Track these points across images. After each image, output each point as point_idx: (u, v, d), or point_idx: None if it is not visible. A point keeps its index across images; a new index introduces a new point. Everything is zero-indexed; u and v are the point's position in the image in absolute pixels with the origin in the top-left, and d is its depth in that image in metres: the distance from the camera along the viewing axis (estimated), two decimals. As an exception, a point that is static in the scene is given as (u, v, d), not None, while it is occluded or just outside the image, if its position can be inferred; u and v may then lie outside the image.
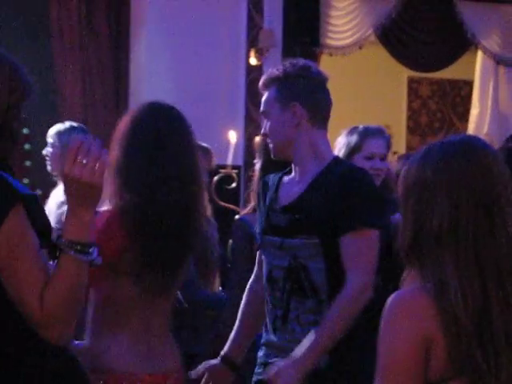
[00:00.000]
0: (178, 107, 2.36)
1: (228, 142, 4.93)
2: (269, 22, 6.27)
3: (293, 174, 2.81)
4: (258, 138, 3.84)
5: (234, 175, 4.60)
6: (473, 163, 1.60)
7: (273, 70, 2.83)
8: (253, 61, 6.09)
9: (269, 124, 2.78)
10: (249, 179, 4.35)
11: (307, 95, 2.85)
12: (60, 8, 6.08)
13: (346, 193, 2.48)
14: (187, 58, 6.25)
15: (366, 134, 3.45)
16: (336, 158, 2.85)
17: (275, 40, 6.18)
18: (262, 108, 2.83)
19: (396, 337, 1.57)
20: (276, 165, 2.81)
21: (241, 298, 2.80)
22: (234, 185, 4.46)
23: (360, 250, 2.43)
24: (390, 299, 1.57)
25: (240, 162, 5.68)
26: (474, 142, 1.69)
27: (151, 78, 6.23)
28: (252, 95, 5.90)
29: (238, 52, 6.17)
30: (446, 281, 1.54)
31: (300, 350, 2.37)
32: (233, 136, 4.93)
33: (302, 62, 2.96)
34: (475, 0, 6.77)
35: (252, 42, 6.10)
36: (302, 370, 2.32)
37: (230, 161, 4.67)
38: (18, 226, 1.60)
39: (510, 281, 1.58)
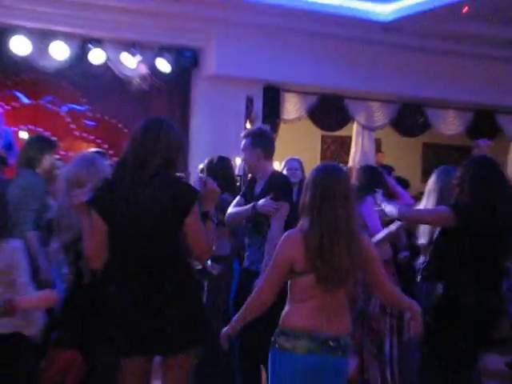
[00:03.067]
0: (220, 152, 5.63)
1: (235, 163, 7.73)
2: (256, 108, 9.57)
3: (258, 180, 4.87)
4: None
5: (238, 178, 7.58)
6: (327, 175, 3.20)
7: (250, 129, 5.35)
8: (248, 126, 9.28)
9: (245, 156, 4.83)
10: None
11: (264, 144, 4.83)
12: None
13: (274, 184, 4.39)
14: (221, 129, 9.11)
15: (287, 160, 5.97)
16: (273, 171, 4.86)
17: (258, 116, 9.54)
18: (242, 147, 4.82)
19: (279, 252, 3.20)
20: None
21: None
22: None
23: (280, 212, 4.30)
24: (285, 233, 3.26)
25: (241, 173, 8.36)
26: (330, 166, 3.36)
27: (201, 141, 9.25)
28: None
29: (240, 121, 9.24)
30: (308, 229, 3.09)
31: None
32: (238, 160, 7.64)
33: (265, 126, 5.86)
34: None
35: (247, 117, 9.43)
36: None
37: (236, 172, 7.48)
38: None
39: (333, 231, 3.09)
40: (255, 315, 3.36)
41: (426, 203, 5.00)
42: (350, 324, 3.31)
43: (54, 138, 7.10)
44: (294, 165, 5.74)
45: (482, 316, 4.45)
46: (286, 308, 3.34)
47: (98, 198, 3.37)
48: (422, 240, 5.19)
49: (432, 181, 5.01)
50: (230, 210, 4.92)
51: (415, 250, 5.58)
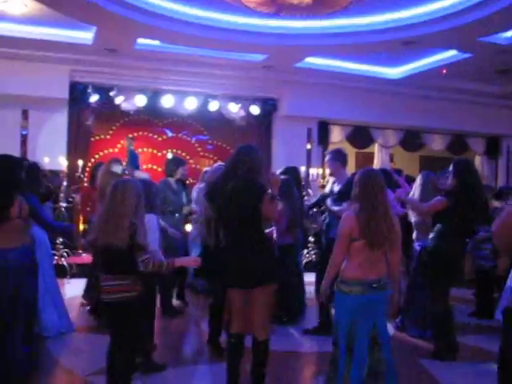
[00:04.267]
0: None
1: (301, 170, 10.39)
2: (313, 136, 12.06)
3: (337, 182, 5.95)
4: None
5: (302, 178, 9.14)
6: (368, 175, 3.87)
7: (332, 149, 6.60)
8: (308, 146, 12.03)
9: (330, 166, 6.16)
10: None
11: (341, 158, 5.96)
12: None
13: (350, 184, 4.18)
14: (291, 149, 11.43)
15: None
16: (349, 176, 5.56)
17: (315, 141, 12.15)
18: (327, 161, 6.18)
19: (341, 227, 3.88)
20: None
21: None
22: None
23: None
24: (344, 214, 3.95)
25: (304, 175, 10.61)
26: (369, 169, 4.05)
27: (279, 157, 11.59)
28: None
29: (303, 144, 12.01)
30: (359, 211, 3.84)
31: None
32: (303, 168, 10.28)
33: (341, 148, 6.43)
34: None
35: (308, 141, 12.09)
36: None
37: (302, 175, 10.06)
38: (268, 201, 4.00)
39: (375, 212, 3.74)
40: (336, 272, 3.93)
41: (414, 192, 6.25)
42: (385, 269, 3.88)
43: (185, 158, 9.80)
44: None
45: (455, 258, 5.51)
46: (344, 264, 3.92)
47: (209, 191, 4.36)
48: (413, 218, 6.34)
49: (418, 178, 6.35)
50: (332, 206, 5.93)
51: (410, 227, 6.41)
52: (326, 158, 6.34)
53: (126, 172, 6.71)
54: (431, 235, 5.53)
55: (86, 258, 9.13)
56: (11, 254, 4.35)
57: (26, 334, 4.49)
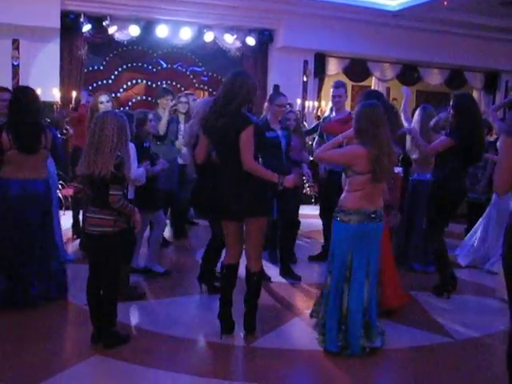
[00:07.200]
0: None
1: (296, 103, 11.59)
2: (309, 68, 12.02)
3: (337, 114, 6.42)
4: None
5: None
6: (373, 110, 3.97)
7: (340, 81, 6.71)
8: (304, 79, 11.98)
9: (341, 95, 6.34)
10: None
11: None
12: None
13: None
14: (287, 81, 11.34)
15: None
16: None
17: (311, 73, 12.07)
18: (337, 90, 6.33)
19: (347, 154, 4.05)
20: None
21: None
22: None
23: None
24: (354, 146, 4.04)
25: (300, 109, 11.25)
26: (373, 103, 4.05)
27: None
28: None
29: (299, 76, 12.00)
30: (368, 146, 3.92)
31: None
32: (298, 101, 10.97)
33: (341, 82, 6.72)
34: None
35: (304, 73, 11.86)
36: None
37: (297, 108, 10.98)
38: (250, 134, 3.90)
39: (382, 148, 3.87)
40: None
41: (414, 124, 6.27)
42: (382, 202, 4.13)
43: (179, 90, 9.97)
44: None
45: (463, 193, 5.73)
46: (344, 195, 4.12)
47: (204, 121, 4.28)
48: (414, 155, 6.48)
49: (416, 113, 6.44)
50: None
51: (409, 161, 6.76)
52: (337, 89, 6.36)
53: (110, 103, 6.59)
54: (437, 171, 5.62)
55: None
56: (39, 184, 4.77)
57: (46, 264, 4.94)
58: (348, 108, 7.99)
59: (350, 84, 13.30)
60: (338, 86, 6.46)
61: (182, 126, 7.38)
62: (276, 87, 5.87)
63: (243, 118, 4.06)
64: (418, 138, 5.78)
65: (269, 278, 5.94)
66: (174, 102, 7.37)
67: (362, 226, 3.95)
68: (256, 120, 5.18)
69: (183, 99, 7.64)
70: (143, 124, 5.62)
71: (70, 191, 8.42)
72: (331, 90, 6.53)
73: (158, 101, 7.25)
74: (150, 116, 5.78)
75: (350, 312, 4.02)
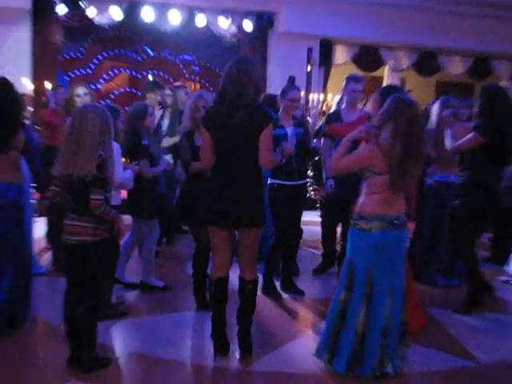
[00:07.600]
0: None
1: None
2: (314, 56, 12.01)
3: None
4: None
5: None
6: (409, 107, 3.92)
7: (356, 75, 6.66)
8: (308, 69, 11.91)
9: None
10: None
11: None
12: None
13: None
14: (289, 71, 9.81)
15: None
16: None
17: (316, 62, 12.06)
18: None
19: (361, 152, 4.07)
20: None
21: None
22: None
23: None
24: (370, 146, 3.98)
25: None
26: (408, 99, 4.02)
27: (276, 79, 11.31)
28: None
29: (303, 65, 11.86)
30: (390, 147, 3.86)
31: None
32: (302, 92, 11.76)
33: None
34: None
35: (308, 62, 11.78)
36: None
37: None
38: (271, 133, 3.95)
39: (409, 151, 3.82)
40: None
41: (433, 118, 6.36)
42: (404, 207, 4.11)
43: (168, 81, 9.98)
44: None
45: (497, 192, 5.66)
46: (362, 199, 4.10)
47: (207, 118, 4.21)
48: (434, 153, 6.37)
49: (435, 107, 6.47)
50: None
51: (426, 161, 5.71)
52: (357, 84, 6.32)
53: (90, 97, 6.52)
54: (466, 171, 5.64)
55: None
56: (11, 190, 4.63)
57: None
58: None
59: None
60: (359, 80, 6.37)
61: (165, 122, 7.43)
62: (291, 79, 5.81)
63: (264, 113, 4.07)
64: (448, 134, 5.81)
65: (280, 295, 5.94)
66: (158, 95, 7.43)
67: (384, 234, 3.95)
68: (276, 116, 5.33)
69: (167, 91, 7.67)
70: (143, 118, 5.59)
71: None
72: (346, 83, 6.41)
73: (147, 95, 7.24)
74: (151, 110, 5.76)
75: (368, 331, 3.99)
